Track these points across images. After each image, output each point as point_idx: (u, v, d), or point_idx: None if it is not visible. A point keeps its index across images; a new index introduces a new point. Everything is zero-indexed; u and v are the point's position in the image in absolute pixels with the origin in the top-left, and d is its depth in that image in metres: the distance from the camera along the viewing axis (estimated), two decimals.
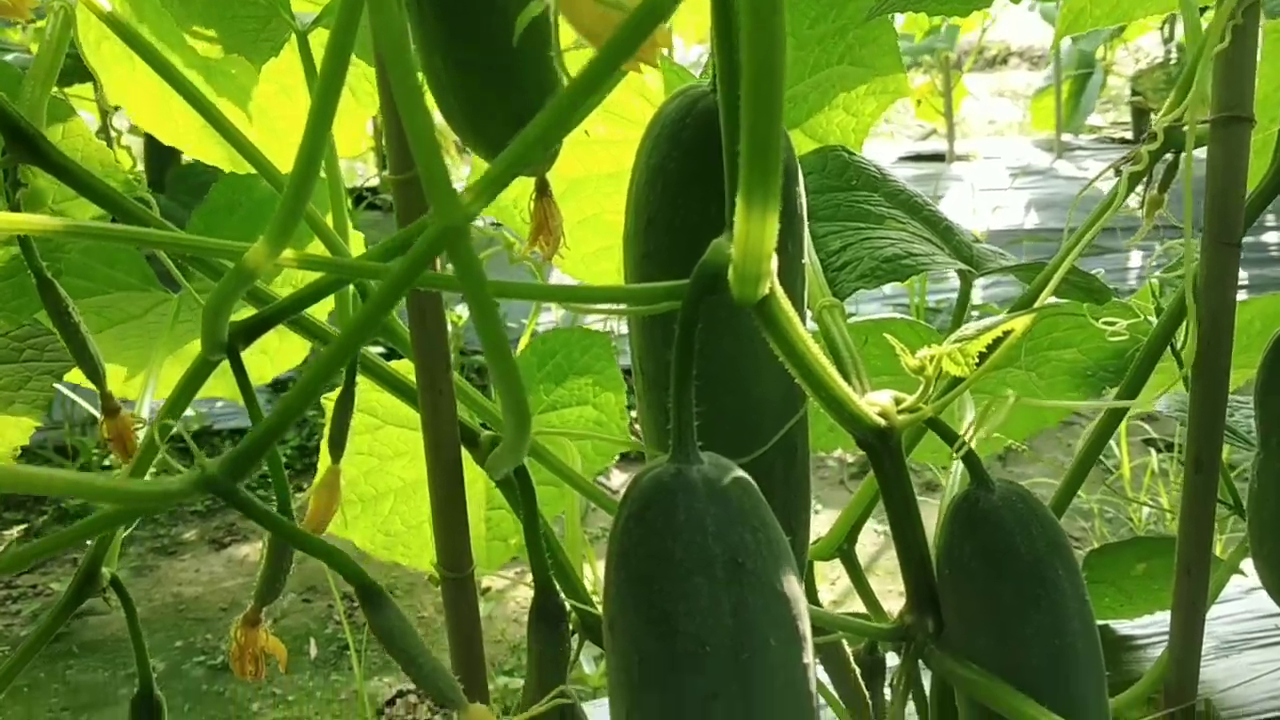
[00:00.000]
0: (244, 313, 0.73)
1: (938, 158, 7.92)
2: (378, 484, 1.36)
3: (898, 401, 0.77)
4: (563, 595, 0.86)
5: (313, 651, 3.13)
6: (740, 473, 0.66)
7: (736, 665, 0.62)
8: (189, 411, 3.77)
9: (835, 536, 1.08)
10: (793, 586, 0.65)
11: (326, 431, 0.91)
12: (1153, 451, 3.49)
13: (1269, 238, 5.65)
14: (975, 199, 6.27)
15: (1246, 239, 0.95)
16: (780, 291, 0.64)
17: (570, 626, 0.96)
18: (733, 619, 0.62)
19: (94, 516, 0.65)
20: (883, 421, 0.75)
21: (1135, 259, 5.19)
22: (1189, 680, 1.06)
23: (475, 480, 1.21)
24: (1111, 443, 2.31)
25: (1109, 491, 3.57)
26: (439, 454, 0.81)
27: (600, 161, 1.26)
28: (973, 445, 0.80)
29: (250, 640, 0.86)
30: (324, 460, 0.96)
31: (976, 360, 0.78)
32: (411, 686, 2.93)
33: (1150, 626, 1.59)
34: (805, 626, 0.65)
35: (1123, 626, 1.60)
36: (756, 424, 0.82)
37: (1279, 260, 5.49)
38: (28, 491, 0.59)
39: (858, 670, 1.21)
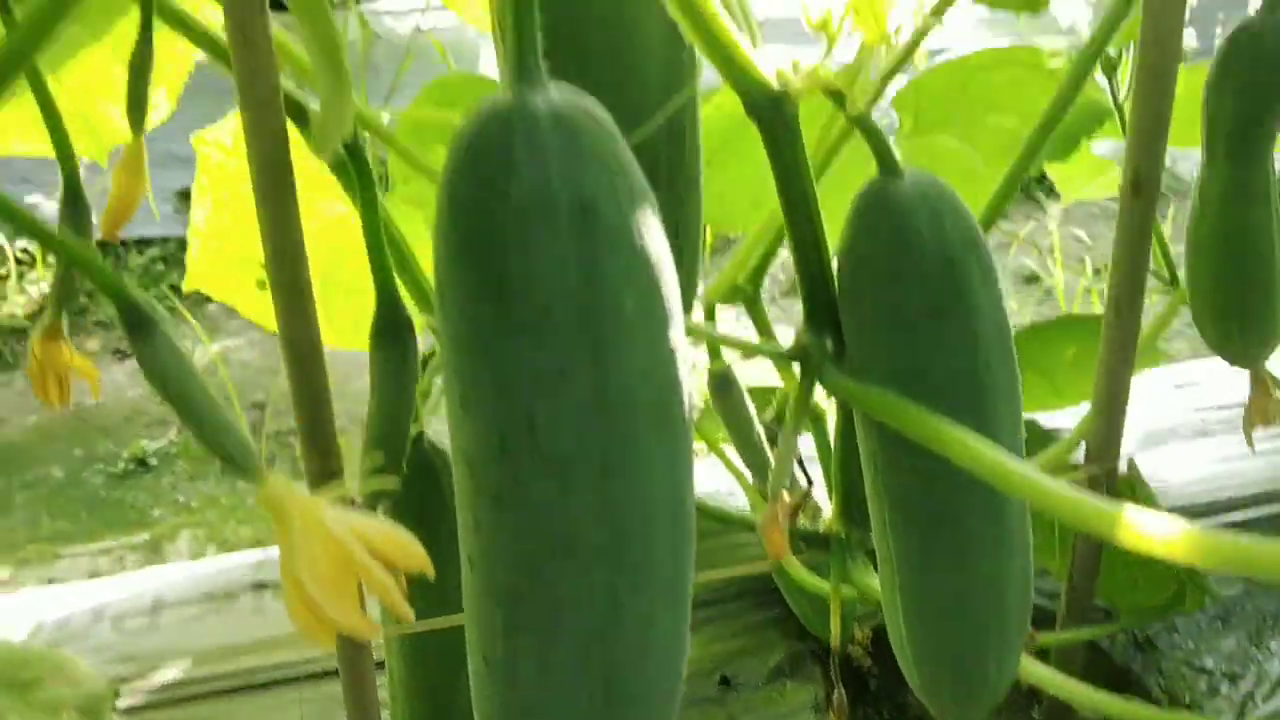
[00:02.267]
0: None
1: None
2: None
3: (795, 68, 0.65)
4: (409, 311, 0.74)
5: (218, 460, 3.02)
6: (598, 107, 0.54)
7: (585, 336, 0.51)
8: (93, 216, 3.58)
9: (735, 269, 0.97)
10: (658, 246, 0.53)
11: (125, 95, 0.77)
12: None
13: None
14: None
15: None
16: None
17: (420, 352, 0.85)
18: (581, 278, 0.51)
19: None
20: (777, 85, 0.63)
21: None
22: (1113, 436, 0.98)
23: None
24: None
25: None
26: (260, 125, 0.68)
27: None
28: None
29: (51, 356, 0.74)
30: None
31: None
32: None
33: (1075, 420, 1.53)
34: (673, 296, 0.54)
35: (1049, 420, 1.53)
36: (636, 100, 0.69)
37: None
38: None
39: (761, 433, 1.13)
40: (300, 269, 0.74)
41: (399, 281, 0.74)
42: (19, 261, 4.06)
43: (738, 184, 1.06)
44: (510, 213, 0.51)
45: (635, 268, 0.52)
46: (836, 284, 0.72)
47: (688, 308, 0.83)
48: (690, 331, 0.67)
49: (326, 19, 0.49)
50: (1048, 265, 3.76)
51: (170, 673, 1.17)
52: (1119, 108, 1.21)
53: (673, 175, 0.74)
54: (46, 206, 4.16)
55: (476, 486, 0.55)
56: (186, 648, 1.22)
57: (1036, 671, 0.86)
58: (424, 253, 0.64)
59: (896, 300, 0.68)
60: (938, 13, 0.78)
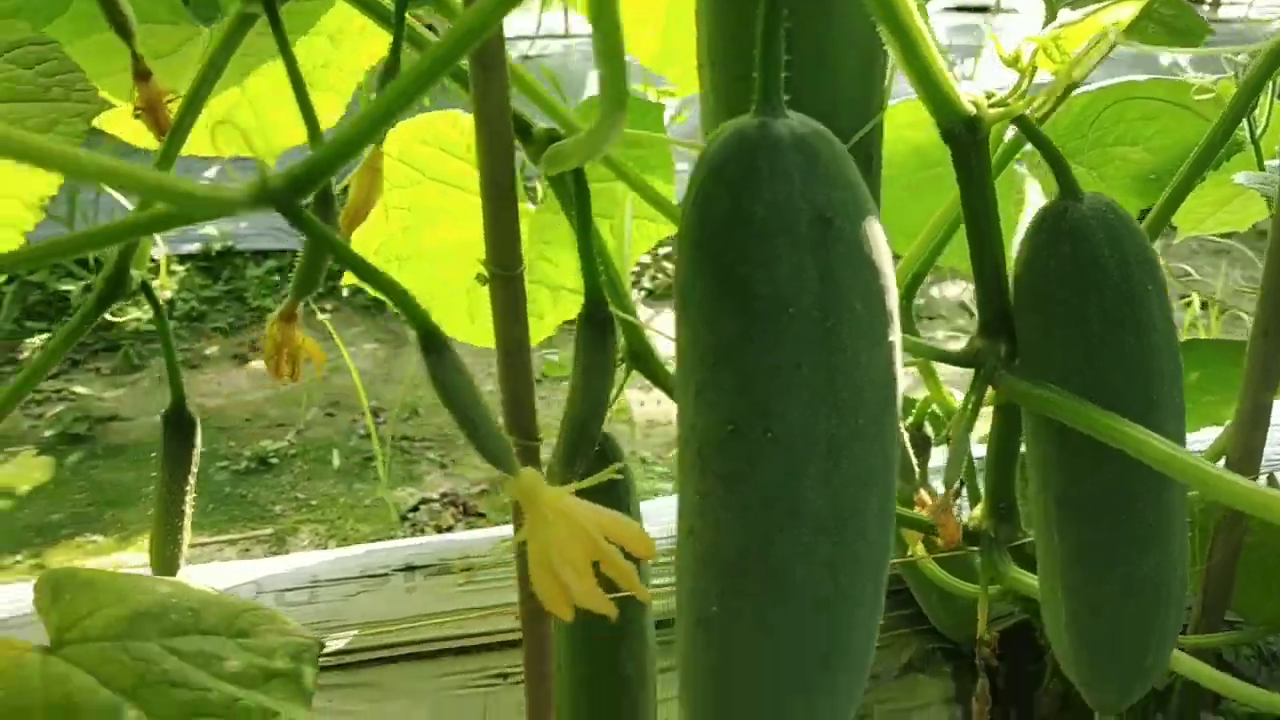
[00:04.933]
0: None
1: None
2: (415, 243, 1.31)
3: (989, 96, 0.71)
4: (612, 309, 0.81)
5: (335, 462, 3.14)
6: (829, 133, 0.61)
7: (821, 332, 0.58)
8: (211, 230, 3.70)
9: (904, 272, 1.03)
10: (882, 255, 0.60)
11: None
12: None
13: None
14: None
15: None
16: None
17: (619, 353, 0.92)
18: (819, 282, 0.58)
19: (136, 216, 0.59)
20: (973, 109, 0.70)
21: None
22: (1254, 451, 1.02)
23: None
24: None
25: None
26: (491, 140, 0.76)
27: None
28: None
29: (286, 337, 0.82)
30: None
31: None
32: (434, 495, 2.95)
33: (1198, 445, 1.56)
34: (893, 300, 0.61)
35: None
36: (831, 118, 0.76)
37: None
38: (79, 179, 0.53)
39: (907, 440, 1.18)
40: (518, 275, 0.82)
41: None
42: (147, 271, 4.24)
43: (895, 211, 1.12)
44: (756, 224, 0.58)
45: (864, 273, 0.59)
46: (1013, 295, 0.78)
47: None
48: None
49: (618, 36, 0.55)
50: None
51: (333, 643, 1.26)
52: (1255, 142, 1.25)
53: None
54: None
55: (705, 466, 0.62)
56: (344, 620, 1.30)
57: (1188, 663, 0.90)
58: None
59: (1074, 311, 0.74)
60: (1103, 51, 0.83)
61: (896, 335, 0.61)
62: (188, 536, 0.97)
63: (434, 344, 0.62)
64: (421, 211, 1.29)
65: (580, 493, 0.89)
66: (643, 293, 4.13)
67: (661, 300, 4.04)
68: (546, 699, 0.98)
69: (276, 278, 4.23)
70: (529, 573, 0.61)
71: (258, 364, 3.75)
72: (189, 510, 0.96)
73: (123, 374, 3.62)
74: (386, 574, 1.40)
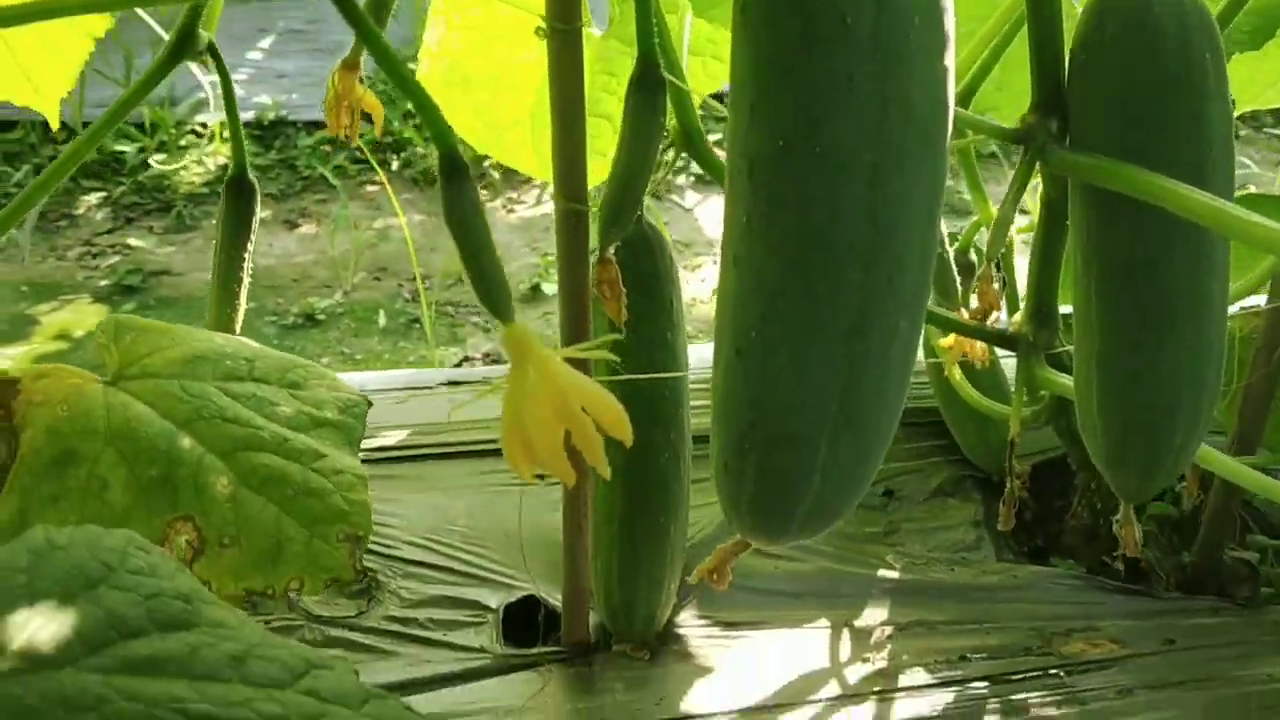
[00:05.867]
0: None
1: None
2: (480, 66, 1.29)
3: None
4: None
5: (381, 321, 3.19)
6: None
7: (874, 47, 0.59)
8: (265, 99, 3.70)
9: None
10: None
11: None
12: None
13: None
14: None
15: None
16: None
17: (668, 132, 0.93)
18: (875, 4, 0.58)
19: None
20: None
21: None
22: None
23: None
24: None
25: None
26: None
27: None
28: None
29: (348, 87, 0.84)
30: None
31: None
32: (477, 355, 2.99)
33: None
34: (950, 28, 0.61)
35: None
36: None
37: None
38: None
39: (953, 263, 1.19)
40: (576, 30, 0.83)
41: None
42: (197, 134, 4.27)
43: None
44: None
45: None
46: (1068, 71, 0.78)
47: None
48: None
49: None
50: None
51: (384, 440, 1.31)
52: None
53: None
54: None
55: (754, 187, 0.63)
56: (393, 422, 1.35)
57: (1224, 462, 0.91)
58: None
59: (1131, 84, 0.74)
60: None
61: (951, 62, 0.61)
62: (244, 303, 1.00)
63: (456, 173, 0.61)
64: (487, 31, 1.28)
65: (626, 282, 0.91)
66: (690, 178, 4.11)
67: (710, 186, 4.02)
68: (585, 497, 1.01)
69: (328, 147, 4.25)
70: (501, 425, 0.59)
71: (307, 229, 3.79)
72: (246, 278, 0.99)
73: (175, 233, 3.66)
74: (432, 386, 1.44)
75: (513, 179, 4.19)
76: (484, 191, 4.14)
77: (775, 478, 0.68)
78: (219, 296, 0.98)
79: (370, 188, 4.14)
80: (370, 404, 0.91)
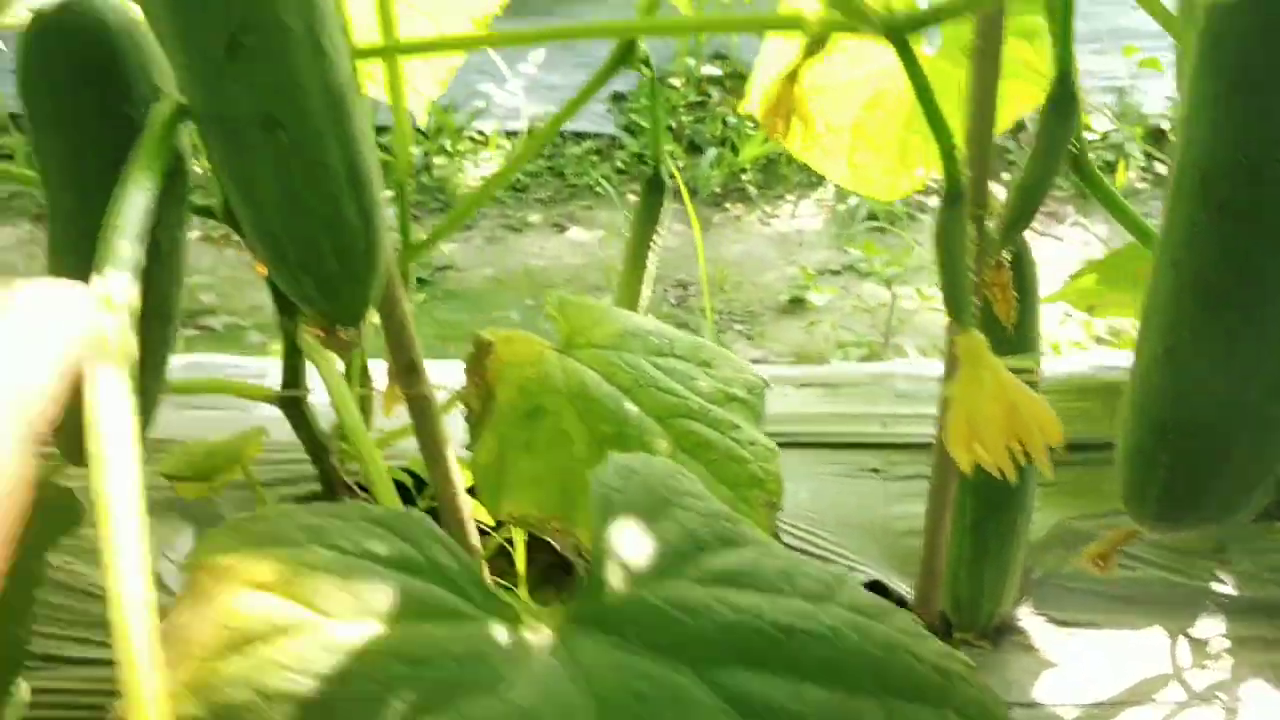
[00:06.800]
0: None
1: None
2: (815, 77, 1.39)
3: None
4: None
5: None
6: None
7: None
8: (538, 109, 3.90)
9: None
10: None
11: None
12: None
13: None
14: None
15: None
16: None
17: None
18: None
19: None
20: None
21: None
22: None
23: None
24: None
25: None
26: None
27: None
28: None
29: (785, 95, 0.93)
30: None
31: None
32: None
33: None
34: None
35: None
36: None
37: None
38: None
39: None
40: (988, 148, 0.90)
41: None
42: (474, 141, 4.54)
43: None
44: None
45: None
46: None
47: None
48: None
49: None
50: None
51: None
52: None
53: None
54: (498, 95, 4.62)
55: (1206, 194, 0.69)
56: None
57: None
58: None
59: None
60: None
61: None
62: (649, 288, 1.11)
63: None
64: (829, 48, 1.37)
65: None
66: None
67: None
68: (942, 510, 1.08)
69: (595, 157, 4.45)
70: (948, 421, 0.69)
71: (574, 233, 3.99)
72: (651, 266, 1.10)
73: (457, 231, 3.93)
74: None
75: (768, 194, 4.28)
76: (739, 206, 4.26)
77: (1188, 469, 0.73)
78: (628, 279, 1.09)
79: (631, 197, 4.32)
80: (768, 385, 1.01)
